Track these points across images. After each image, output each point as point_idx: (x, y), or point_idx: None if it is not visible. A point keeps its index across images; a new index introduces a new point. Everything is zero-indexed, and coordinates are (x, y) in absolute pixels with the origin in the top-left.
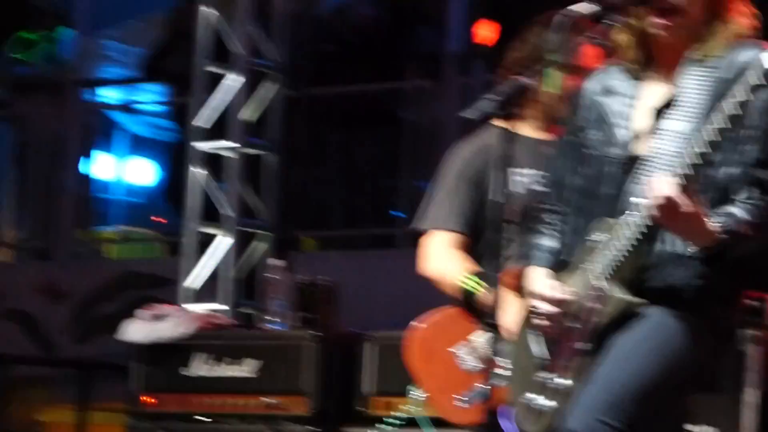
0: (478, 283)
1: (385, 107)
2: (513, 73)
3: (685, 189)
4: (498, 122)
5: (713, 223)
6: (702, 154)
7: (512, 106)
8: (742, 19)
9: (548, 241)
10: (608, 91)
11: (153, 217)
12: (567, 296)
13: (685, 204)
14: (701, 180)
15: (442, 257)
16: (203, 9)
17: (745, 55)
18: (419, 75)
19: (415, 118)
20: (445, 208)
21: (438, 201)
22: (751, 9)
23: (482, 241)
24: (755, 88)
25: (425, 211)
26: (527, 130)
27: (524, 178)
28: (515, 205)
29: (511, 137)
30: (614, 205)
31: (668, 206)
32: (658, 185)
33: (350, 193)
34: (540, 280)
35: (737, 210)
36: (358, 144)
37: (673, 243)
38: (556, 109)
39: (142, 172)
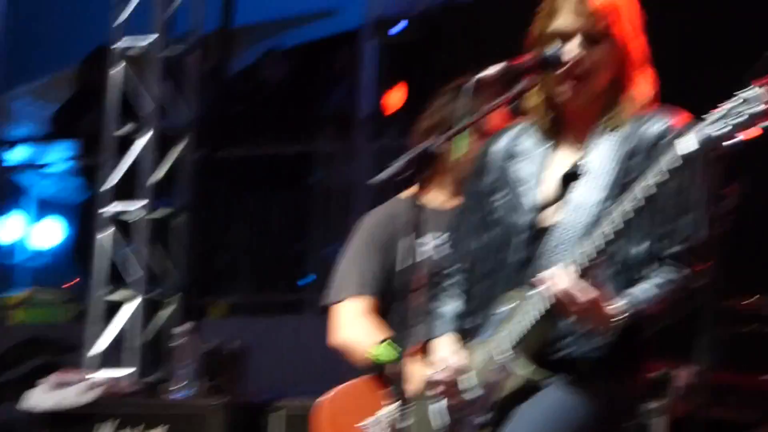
0: (391, 350)
1: (296, 170)
2: (423, 138)
3: (587, 275)
4: (407, 189)
5: (616, 307)
6: (613, 232)
7: (422, 172)
8: (647, 83)
9: (451, 308)
10: (516, 155)
11: (65, 285)
12: (467, 365)
13: (583, 296)
14: (612, 257)
15: (353, 326)
16: (113, 70)
17: (655, 126)
18: (331, 138)
19: (327, 182)
20: (354, 276)
21: (347, 269)
22: (653, 73)
23: (392, 309)
24: (671, 169)
25: (334, 281)
26: (436, 196)
27: (432, 246)
28: (423, 273)
29: (419, 205)
30: (520, 274)
31: (565, 300)
32: (557, 278)
33: (260, 258)
34: (441, 348)
35: (643, 290)
36: (268, 207)
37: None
38: (465, 176)
39: (49, 233)
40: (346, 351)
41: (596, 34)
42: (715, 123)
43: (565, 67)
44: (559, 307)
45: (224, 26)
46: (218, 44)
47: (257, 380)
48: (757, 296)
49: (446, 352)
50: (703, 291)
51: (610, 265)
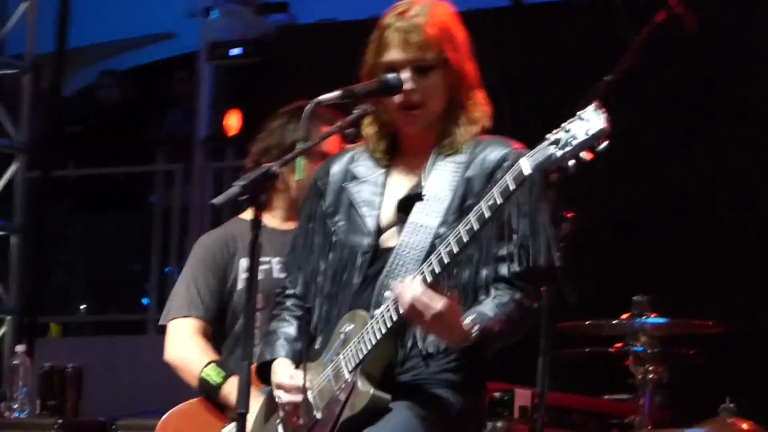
0: (218, 373)
1: (134, 191)
2: (258, 161)
3: (436, 288)
4: (245, 211)
5: (467, 321)
6: (450, 255)
7: (262, 194)
8: (481, 108)
9: (291, 329)
10: (354, 178)
11: None
12: (308, 386)
13: (435, 305)
14: (451, 280)
15: (183, 345)
16: None
17: (493, 153)
18: (169, 159)
19: (165, 202)
20: (189, 296)
21: (182, 289)
22: (485, 96)
23: (228, 330)
24: (505, 193)
25: (170, 300)
26: (274, 219)
27: (270, 267)
28: (262, 294)
29: (257, 226)
30: (362, 295)
31: (416, 309)
32: (406, 287)
33: (98, 278)
34: (282, 370)
35: (488, 308)
36: (106, 227)
37: (422, 339)
38: (303, 198)
39: None
40: (176, 369)
41: (427, 64)
42: (549, 147)
43: (402, 95)
44: (413, 317)
45: (59, 47)
46: (53, 65)
47: (95, 400)
48: (589, 321)
49: (285, 375)
50: (540, 313)
51: (448, 288)
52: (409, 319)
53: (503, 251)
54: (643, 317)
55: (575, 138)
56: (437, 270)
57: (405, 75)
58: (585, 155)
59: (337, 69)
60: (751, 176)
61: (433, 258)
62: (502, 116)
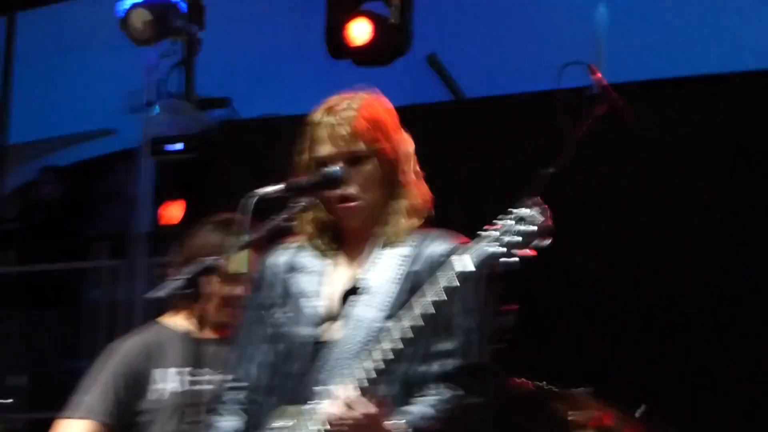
0: None
1: (71, 287)
2: (181, 268)
3: (367, 392)
4: (166, 315)
5: (395, 425)
6: (393, 350)
7: (196, 290)
8: (419, 198)
9: (229, 422)
10: (296, 269)
11: None
12: None
13: (361, 414)
14: (392, 375)
15: None
16: None
17: (437, 248)
18: (106, 254)
19: (101, 298)
20: (96, 398)
21: (90, 390)
22: (425, 187)
23: None
24: (449, 289)
25: (76, 397)
26: (186, 323)
27: (183, 377)
28: (171, 402)
29: (176, 336)
30: (300, 388)
31: (347, 421)
32: (333, 398)
33: (31, 375)
34: None
35: (423, 407)
36: (42, 324)
37: None
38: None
39: None
40: None
41: (358, 155)
42: (492, 243)
43: (340, 188)
44: (337, 428)
45: None
46: None
47: None
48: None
49: None
50: (479, 410)
51: (390, 383)
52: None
53: (446, 346)
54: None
55: (519, 235)
56: (375, 367)
57: (336, 168)
58: (528, 252)
59: (279, 163)
60: (691, 264)
61: (372, 354)
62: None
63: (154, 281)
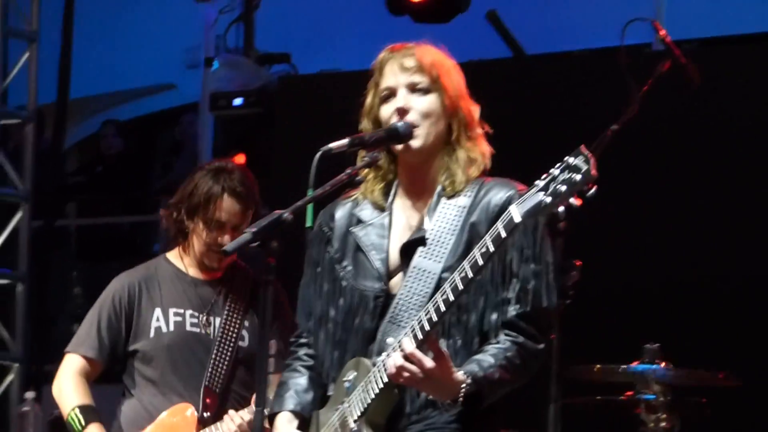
0: (79, 420)
1: (130, 240)
2: (174, 211)
3: (426, 343)
4: (170, 253)
5: (460, 374)
6: (449, 302)
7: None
8: (481, 149)
9: (302, 380)
10: (358, 223)
11: None
12: None
13: (421, 366)
14: (453, 325)
15: (64, 381)
16: None
17: (498, 196)
18: None
19: (162, 251)
20: (89, 334)
21: (86, 325)
22: (485, 142)
23: (126, 372)
24: (499, 240)
25: (77, 331)
26: (191, 267)
27: (183, 320)
28: (172, 346)
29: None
30: (369, 340)
31: (402, 372)
32: (394, 351)
33: None
34: (282, 427)
35: (488, 355)
36: (108, 277)
37: None
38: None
39: None
40: (57, 401)
41: (423, 87)
42: (538, 194)
43: (410, 138)
44: (396, 380)
45: (61, 98)
46: (55, 115)
47: None
48: (598, 366)
49: (292, 428)
50: (545, 360)
51: (449, 334)
52: (397, 381)
53: (506, 295)
54: (654, 365)
55: (564, 184)
56: (434, 317)
57: (401, 95)
58: (574, 201)
59: (338, 119)
60: (758, 227)
61: (432, 304)
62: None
63: None
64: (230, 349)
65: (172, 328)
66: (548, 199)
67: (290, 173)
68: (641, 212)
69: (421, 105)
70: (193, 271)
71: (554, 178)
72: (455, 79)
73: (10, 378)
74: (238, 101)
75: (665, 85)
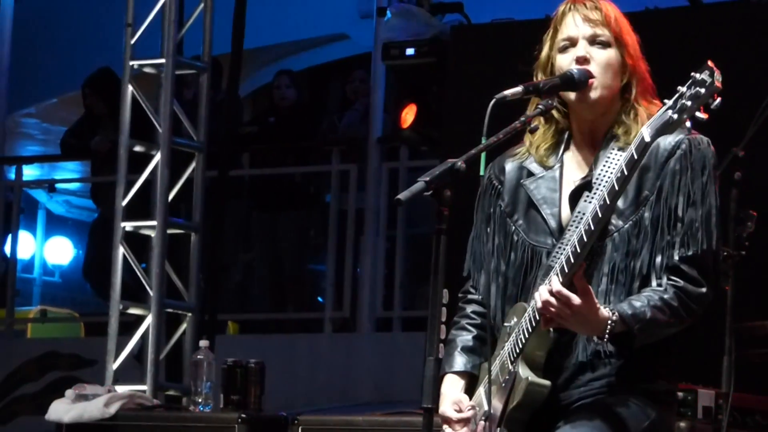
0: None
1: (303, 190)
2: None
3: (574, 279)
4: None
5: (606, 311)
6: (592, 230)
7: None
8: (652, 109)
9: (470, 337)
10: (532, 175)
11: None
12: (469, 414)
13: (567, 303)
14: (626, 270)
15: None
16: (126, 90)
17: (666, 141)
18: (343, 159)
19: (334, 202)
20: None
21: None
22: (657, 99)
23: None
24: (632, 162)
25: None
26: None
27: None
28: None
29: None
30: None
31: (551, 309)
32: (541, 290)
33: (274, 276)
34: (449, 394)
35: (643, 297)
36: (281, 226)
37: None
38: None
39: (60, 251)
40: None
41: (604, 39)
42: (666, 112)
43: (585, 86)
44: (544, 314)
45: (236, 48)
46: (230, 65)
47: (274, 396)
48: None
49: (451, 405)
50: (717, 309)
51: (619, 279)
52: (544, 322)
53: (671, 239)
54: None
55: (689, 99)
56: (574, 257)
57: (581, 45)
58: (700, 114)
59: (511, 68)
60: None
61: (574, 238)
62: None
63: (387, 185)
64: None
65: None
66: (675, 116)
67: (462, 123)
68: None
69: (601, 57)
70: None
71: (681, 95)
72: (634, 38)
73: (183, 327)
74: (410, 51)
75: None
